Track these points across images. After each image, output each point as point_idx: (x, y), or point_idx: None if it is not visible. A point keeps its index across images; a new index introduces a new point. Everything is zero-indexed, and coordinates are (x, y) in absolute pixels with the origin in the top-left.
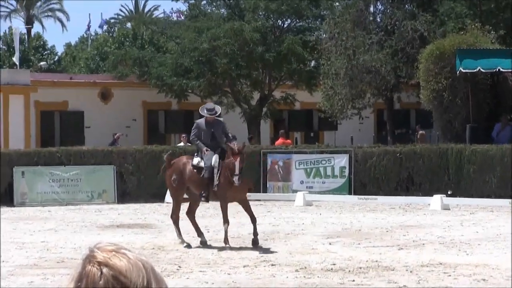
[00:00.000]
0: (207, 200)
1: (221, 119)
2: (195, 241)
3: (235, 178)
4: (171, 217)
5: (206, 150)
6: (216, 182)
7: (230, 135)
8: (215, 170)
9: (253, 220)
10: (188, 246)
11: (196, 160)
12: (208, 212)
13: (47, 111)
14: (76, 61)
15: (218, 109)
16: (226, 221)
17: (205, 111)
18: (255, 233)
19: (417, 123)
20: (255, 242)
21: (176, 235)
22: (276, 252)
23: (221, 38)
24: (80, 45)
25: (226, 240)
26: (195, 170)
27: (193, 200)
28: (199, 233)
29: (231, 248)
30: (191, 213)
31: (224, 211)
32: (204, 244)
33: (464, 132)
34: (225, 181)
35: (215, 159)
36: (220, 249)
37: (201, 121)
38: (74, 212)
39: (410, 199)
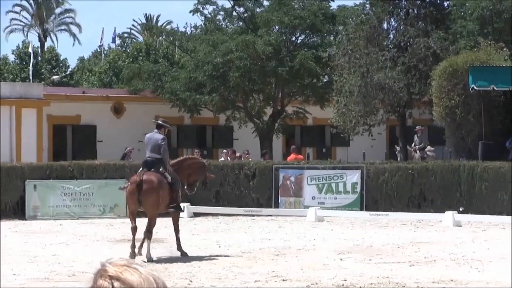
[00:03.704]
0: None
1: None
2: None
3: None
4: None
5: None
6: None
7: None
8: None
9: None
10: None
11: None
12: (220, 227)
13: (59, 125)
14: (89, 75)
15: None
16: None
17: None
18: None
19: (430, 140)
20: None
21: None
22: (287, 267)
23: (234, 51)
24: (93, 59)
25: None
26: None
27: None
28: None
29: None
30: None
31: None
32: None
33: (476, 149)
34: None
35: None
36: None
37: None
38: (86, 226)
39: (422, 216)
